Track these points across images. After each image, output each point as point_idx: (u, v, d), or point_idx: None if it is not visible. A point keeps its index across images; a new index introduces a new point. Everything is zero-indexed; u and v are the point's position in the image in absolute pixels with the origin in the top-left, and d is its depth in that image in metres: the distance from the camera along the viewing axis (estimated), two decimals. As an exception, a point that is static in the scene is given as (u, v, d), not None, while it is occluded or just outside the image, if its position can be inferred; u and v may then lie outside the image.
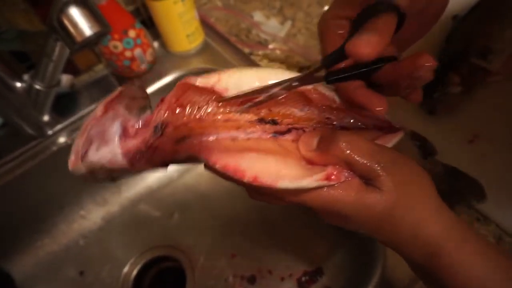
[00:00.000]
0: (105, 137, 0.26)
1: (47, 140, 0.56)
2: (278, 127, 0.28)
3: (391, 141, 0.28)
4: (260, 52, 0.64)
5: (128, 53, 0.57)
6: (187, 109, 0.27)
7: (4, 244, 0.60)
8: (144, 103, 0.28)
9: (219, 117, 0.27)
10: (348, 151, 0.25)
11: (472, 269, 0.24)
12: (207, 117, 0.27)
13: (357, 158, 0.25)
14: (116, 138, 0.26)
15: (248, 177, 0.24)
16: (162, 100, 0.27)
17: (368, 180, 0.25)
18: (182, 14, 0.57)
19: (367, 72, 0.26)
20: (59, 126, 0.56)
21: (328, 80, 0.27)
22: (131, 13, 0.60)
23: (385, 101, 0.26)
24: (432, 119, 0.50)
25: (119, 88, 0.27)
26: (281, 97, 0.28)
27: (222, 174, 0.26)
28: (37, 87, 0.49)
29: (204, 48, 0.65)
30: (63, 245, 0.64)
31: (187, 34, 0.60)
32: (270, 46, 0.65)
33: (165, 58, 0.64)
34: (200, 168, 0.71)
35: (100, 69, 0.63)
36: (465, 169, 0.46)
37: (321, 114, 0.29)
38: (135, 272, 0.60)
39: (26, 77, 0.49)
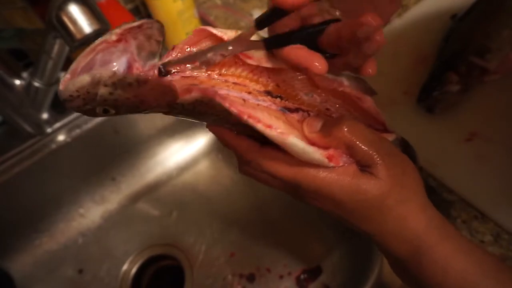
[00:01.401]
0: (108, 67, 0.24)
1: (46, 138, 0.56)
2: (287, 103, 0.27)
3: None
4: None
5: (127, 51, 0.57)
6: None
7: (3, 242, 0.60)
8: (157, 48, 0.26)
9: (229, 78, 0.26)
10: (350, 135, 0.25)
11: (453, 265, 0.25)
12: (218, 69, 0.26)
13: (358, 143, 0.25)
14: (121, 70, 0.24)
15: (262, 124, 0.23)
16: (173, 47, 0.26)
17: (365, 167, 0.26)
18: (182, 12, 0.57)
19: (309, 35, 0.25)
20: (58, 124, 0.56)
21: (268, 45, 0.25)
22: (130, 11, 0.60)
23: (325, 61, 0.24)
24: (430, 118, 0.50)
25: (141, 20, 0.25)
26: (294, 77, 0.27)
27: (232, 119, 0.24)
28: (36, 84, 0.49)
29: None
30: (62, 243, 0.63)
31: (186, 32, 0.60)
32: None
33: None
34: (199, 166, 0.71)
35: (99, 67, 0.63)
36: (464, 167, 0.46)
37: (322, 103, 0.29)
38: (134, 270, 0.60)
39: (25, 74, 0.49)
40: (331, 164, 0.25)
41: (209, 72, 0.26)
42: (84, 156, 0.60)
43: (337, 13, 0.29)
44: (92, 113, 0.25)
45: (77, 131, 0.57)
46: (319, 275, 0.54)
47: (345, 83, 0.29)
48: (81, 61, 0.24)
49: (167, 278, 0.62)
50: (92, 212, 0.66)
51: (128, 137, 0.64)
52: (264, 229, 0.61)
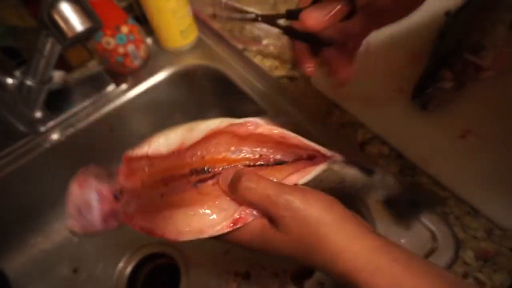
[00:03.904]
0: (87, 204, 0.33)
1: (40, 137, 0.55)
2: (202, 176, 0.31)
3: (311, 172, 0.30)
4: (254, 48, 0.64)
5: (121, 49, 0.56)
6: (136, 175, 0.32)
7: (-3, 242, 0.60)
8: (109, 172, 0.34)
9: (157, 176, 0.32)
10: (247, 193, 0.27)
11: None
12: (147, 178, 0.32)
13: (254, 201, 0.27)
14: (95, 204, 0.32)
15: (158, 234, 0.29)
16: (117, 172, 0.33)
17: (272, 220, 0.27)
18: (176, 10, 0.57)
19: (311, 41, 0.32)
20: (51, 123, 0.56)
21: (286, 32, 0.32)
22: (124, 9, 0.59)
23: (312, 62, 0.31)
24: (424, 115, 0.50)
25: (80, 170, 0.34)
26: (218, 142, 0.31)
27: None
28: (29, 83, 0.49)
29: (198, 44, 0.65)
30: (57, 243, 0.63)
31: (180, 30, 0.60)
32: (264, 42, 0.65)
33: (158, 54, 0.64)
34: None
35: (93, 66, 0.63)
36: (457, 164, 0.47)
37: (254, 153, 0.31)
38: (129, 269, 0.60)
39: (17, 73, 0.49)
40: (238, 225, 0.28)
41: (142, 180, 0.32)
42: (78, 154, 0.60)
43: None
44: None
45: (71, 129, 0.56)
46: (314, 272, 0.54)
47: (260, 122, 0.31)
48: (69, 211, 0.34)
49: (162, 276, 0.62)
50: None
51: (123, 136, 0.64)
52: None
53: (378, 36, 0.60)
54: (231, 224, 0.28)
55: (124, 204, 0.32)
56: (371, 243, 0.27)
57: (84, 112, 0.58)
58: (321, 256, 0.27)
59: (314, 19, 0.26)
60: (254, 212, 0.28)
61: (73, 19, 0.41)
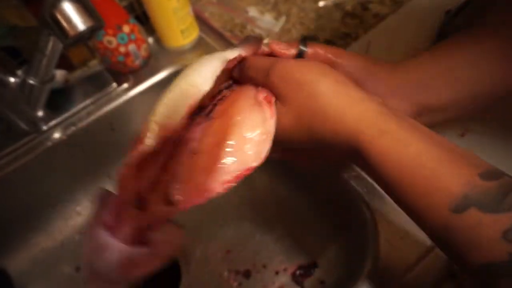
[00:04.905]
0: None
1: (42, 136, 0.56)
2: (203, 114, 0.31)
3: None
4: (255, 48, 0.64)
5: (122, 49, 0.57)
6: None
7: (0, 241, 0.60)
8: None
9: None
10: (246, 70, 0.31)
11: (391, 158, 0.24)
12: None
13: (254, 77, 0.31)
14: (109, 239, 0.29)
15: (221, 189, 0.27)
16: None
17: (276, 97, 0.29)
18: (177, 9, 0.57)
19: None
20: (53, 122, 0.56)
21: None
22: (125, 8, 0.60)
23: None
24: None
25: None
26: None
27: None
28: (31, 82, 0.49)
29: (199, 43, 0.65)
30: (59, 241, 0.64)
31: (181, 29, 0.60)
32: (265, 42, 0.65)
33: (159, 53, 0.64)
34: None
35: (94, 65, 0.63)
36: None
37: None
38: (130, 267, 0.61)
39: (19, 72, 0.49)
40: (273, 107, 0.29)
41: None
42: (79, 153, 0.60)
43: None
44: None
45: (73, 128, 0.57)
46: (315, 270, 0.55)
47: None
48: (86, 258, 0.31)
49: (163, 274, 0.62)
50: (89, 209, 0.66)
51: (124, 134, 0.64)
52: (259, 225, 0.61)
53: (378, 34, 0.60)
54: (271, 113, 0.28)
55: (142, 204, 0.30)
56: (376, 106, 0.26)
57: (85, 111, 0.58)
58: (323, 125, 0.26)
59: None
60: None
61: (75, 18, 0.41)
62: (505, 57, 0.33)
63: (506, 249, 0.20)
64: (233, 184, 0.27)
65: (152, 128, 0.29)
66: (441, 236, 0.24)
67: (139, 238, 0.30)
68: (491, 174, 0.23)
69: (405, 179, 0.24)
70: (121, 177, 0.29)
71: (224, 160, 0.26)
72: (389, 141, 0.24)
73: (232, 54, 0.32)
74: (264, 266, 0.57)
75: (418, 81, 0.34)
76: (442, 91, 0.34)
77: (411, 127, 0.25)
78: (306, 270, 0.55)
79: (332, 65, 0.32)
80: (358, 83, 0.30)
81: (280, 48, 0.35)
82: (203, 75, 0.29)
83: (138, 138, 0.29)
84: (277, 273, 0.56)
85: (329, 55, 0.33)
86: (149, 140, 0.29)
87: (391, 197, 0.26)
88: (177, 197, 0.28)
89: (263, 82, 0.30)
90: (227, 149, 0.27)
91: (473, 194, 0.22)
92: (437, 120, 0.36)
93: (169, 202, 0.28)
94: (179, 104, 0.29)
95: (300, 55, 0.34)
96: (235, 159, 0.26)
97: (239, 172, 0.26)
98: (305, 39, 0.34)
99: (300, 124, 0.28)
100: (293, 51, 0.34)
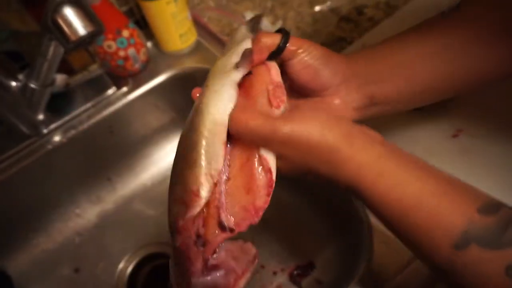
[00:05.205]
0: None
1: (42, 139, 0.56)
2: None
3: None
4: (252, 52, 0.65)
5: (121, 53, 0.58)
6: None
7: (0, 242, 0.61)
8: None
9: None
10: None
11: (391, 197, 0.25)
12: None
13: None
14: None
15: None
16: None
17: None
18: (175, 14, 0.58)
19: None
20: (54, 125, 0.57)
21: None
22: (124, 13, 0.61)
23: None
24: (418, 114, 0.52)
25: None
26: None
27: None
28: (32, 86, 0.50)
29: (197, 48, 0.66)
30: (59, 243, 0.64)
31: (180, 34, 0.61)
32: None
33: (158, 57, 0.65)
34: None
35: (94, 69, 0.64)
36: (449, 162, 0.48)
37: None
38: (130, 269, 0.61)
39: (21, 76, 0.50)
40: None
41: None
42: (80, 156, 0.61)
43: None
44: None
45: (73, 131, 0.58)
46: (312, 270, 0.55)
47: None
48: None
49: (162, 276, 0.63)
50: (89, 211, 0.67)
51: (124, 138, 0.65)
52: (257, 226, 0.61)
53: (373, 38, 0.61)
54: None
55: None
56: (377, 151, 0.26)
57: (85, 115, 0.59)
58: (325, 166, 0.27)
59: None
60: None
61: (76, 23, 0.42)
62: (463, 53, 0.34)
63: (510, 284, 0.21)
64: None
65: (205, 180, 0.30)
66: (446, 272, 0.24)
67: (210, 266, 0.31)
68: (489, 208, 0.23)
69: (405, 218, 0.25)
70: (181, 229, 0.30)
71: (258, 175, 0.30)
72: (388, 183, 0.25)
73: (238, 76, 0.32)
74: (262, 267, 0.57)
75: (368, 74, 0.35)
76: (394, 84, 0.34)
77: (410, 164, 0.26)
78: (304, 270, 0.55)
79: (292, 54, 0.33)
80: (316, 71, 0.33)
81: (264, 52, 0.34)
82: (223, 108, 0.30)
83: (192, 191, 0.30)
84: (275, 273, 0.57)
85: (291, 47, 0.33)
86: (204, 193, 0.30)
87: (393, 233, 0.27)
88: (230, 223, 0.30)
89: (263, 147, 0.30)
90: (257, 166, 0.30)
91: (473, 230, 0.22)
92: (390, 110, 0.36)
93: (224, 227, 0.30)
94: (215, 147, 0.30)
95: (279, 49, 0.34)
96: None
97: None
98: (287, 34, 0.34)
99: (299, 169, 0.29)
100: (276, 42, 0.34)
